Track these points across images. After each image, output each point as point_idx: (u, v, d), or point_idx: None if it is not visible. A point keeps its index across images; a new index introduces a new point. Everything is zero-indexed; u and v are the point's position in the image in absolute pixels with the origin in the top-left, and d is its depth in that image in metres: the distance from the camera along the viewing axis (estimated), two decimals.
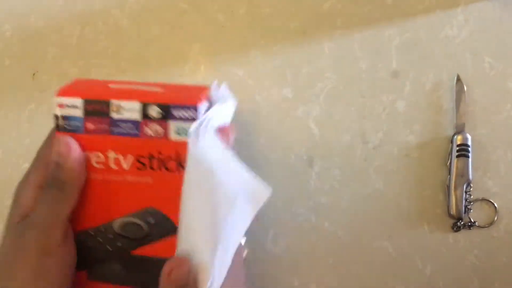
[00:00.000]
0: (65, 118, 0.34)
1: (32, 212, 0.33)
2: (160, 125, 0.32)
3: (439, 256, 0.44)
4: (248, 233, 0.47)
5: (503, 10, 0.45)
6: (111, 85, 0.35)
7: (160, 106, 0.32)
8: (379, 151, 0.46)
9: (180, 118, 0.32)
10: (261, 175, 0.47)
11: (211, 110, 0.33)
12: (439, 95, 0.45)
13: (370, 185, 0.46)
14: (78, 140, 0.34)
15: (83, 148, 0.34)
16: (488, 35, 0.45)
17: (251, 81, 0.48)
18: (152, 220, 0.33)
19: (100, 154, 0.33)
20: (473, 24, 0.45)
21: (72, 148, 0.33)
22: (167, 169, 0.32)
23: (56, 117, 0.34)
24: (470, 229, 0.44)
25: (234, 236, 0.31)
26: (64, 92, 0.34)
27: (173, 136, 0.32)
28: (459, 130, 0.44)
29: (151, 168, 0.33)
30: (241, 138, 0.48)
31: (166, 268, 0.31)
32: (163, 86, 0.35)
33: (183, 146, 0.32)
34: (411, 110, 0.46)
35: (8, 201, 0.51)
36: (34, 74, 0.52)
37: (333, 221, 0.46)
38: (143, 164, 0.33)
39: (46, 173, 0.34)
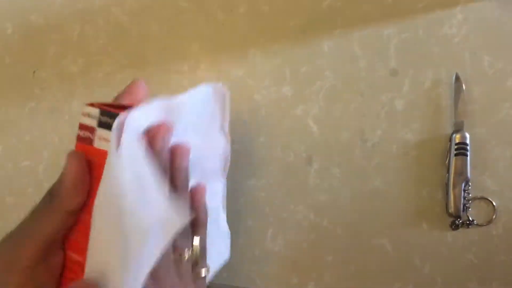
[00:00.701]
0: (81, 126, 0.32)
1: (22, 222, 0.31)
2: (105, 134, 0.30)
3: (438, 254, 0.44)
4: (248, 231, 0.47)
5: (501, 9, 0.45)
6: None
7: (103, 112, 0.30)
8: (378, 149, 0.46)
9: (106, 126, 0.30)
10: (260, 173, 0.47)
11: (136, 109, 0.30)
12: (438, 94, 0.45)
13: (369, 183, 0.46)
14: (88, 151, 0.31)
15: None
16: (487, 34, 0.45)
17: (250, 79, 0.48)
18: None
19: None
20: (472, 23, 0.45)
21: (73, 165, 0.31)
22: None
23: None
24: (468, 227, 0.44)
25: (144, 264, 0.29)
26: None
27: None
28: (458, 128, 0.44)
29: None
30: (240, 137, 0.48)
31: None
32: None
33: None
34: (410, 108, 0.46)
35: (8, 197, 0.51)
36: (34, 72, 0.52)
37: (332, 219, 0.46)
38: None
39: None
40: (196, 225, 0.36)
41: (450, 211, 0.44)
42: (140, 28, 0.51)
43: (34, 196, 0.51)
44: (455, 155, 0.44)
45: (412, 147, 0.45)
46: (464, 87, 0.44)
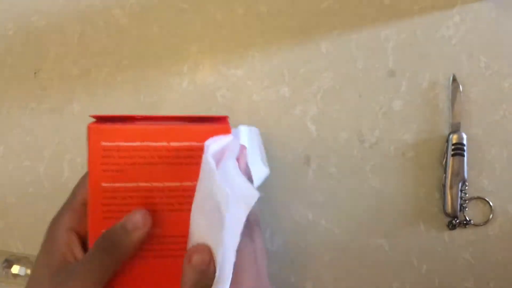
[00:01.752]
0: None
1: (74, 266, 0.33)
2: None
3: (435, 254, 0.45)
4: None
5: (498, 10, 0.45)
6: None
7: None
8: (376, 149, 0.46)
9: None
10: None
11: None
12: (435, 95, 0.46)
13: (366, 184, 0.46)
14: None
15: None
16: (483, 35, 0.46)
17: (249, 80, 0.49)
18: None
19: None
20: (469, 24, 0.46)
21: (147, 223, 0.32)
22: None
23: None
24: (465, 227, 0.44)
25: (233, 235, 0.31)
26: None
27: None
28: (455, 129, 0.45)
29: None
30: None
31: (187, 255, 0.30)
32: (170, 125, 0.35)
33: None
34: (408, 109, 0.46)
35: (9, 198, 0.52)
36: (35, 73, 0.52)
37: (330, 219, 0.46)
38: None
39: (105, 234, 0.33)
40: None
41: (447, 211, 0.44)
42: (140, 29, 0.51)
43: (34, 196, 0.51)
44: (452, 155, 0.44)
45: (409, 148, 0.46)
46: (461, 88, 0.45)
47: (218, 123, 0.34)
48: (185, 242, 0.33)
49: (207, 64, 0.50)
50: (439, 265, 0.45)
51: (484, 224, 0.44)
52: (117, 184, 0.33)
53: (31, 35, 0.53)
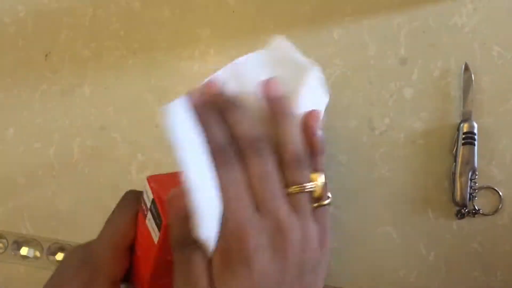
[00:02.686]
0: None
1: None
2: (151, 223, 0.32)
3: (443, 243, 0.45)
4: None
5: None
6: None
7: (154, 204, 0.31)
8: (386, 137, 0.46)
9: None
10: None
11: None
12: (447, 83, 0.45)
13: (376, 171, 0.46)
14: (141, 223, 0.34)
15: None
16: (497, 24, 0.45)
17: None
18: None
19: None
20: (482, 12, 0.45)
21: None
22: None
23: None
24: (474, 216, 0.44)
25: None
26: None
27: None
28: (466, 118, 0.44)
29: None
30: None
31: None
32: None
33: None
34: (419, 97, 0.46)
35: (20, 179, 0.52)
36: (46, 55, 0.52)
37: (338, 206, 0.46)
38: None
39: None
40: (314, 155, 0.34)
41: (456, 200, 0.44)
42: (152, 13, 0.51)
43: (44, 178, 0.52)
44: (463, 144, 0.44)
45: (419, 136, 0.46)
46: (473, 76, 0.45)
47: None
48: None
49: (218, 48, 0.49)
50: (447, 254, 0.45)
51: (493, 214, 0.44)
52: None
53: (42, 17, 0.53)
